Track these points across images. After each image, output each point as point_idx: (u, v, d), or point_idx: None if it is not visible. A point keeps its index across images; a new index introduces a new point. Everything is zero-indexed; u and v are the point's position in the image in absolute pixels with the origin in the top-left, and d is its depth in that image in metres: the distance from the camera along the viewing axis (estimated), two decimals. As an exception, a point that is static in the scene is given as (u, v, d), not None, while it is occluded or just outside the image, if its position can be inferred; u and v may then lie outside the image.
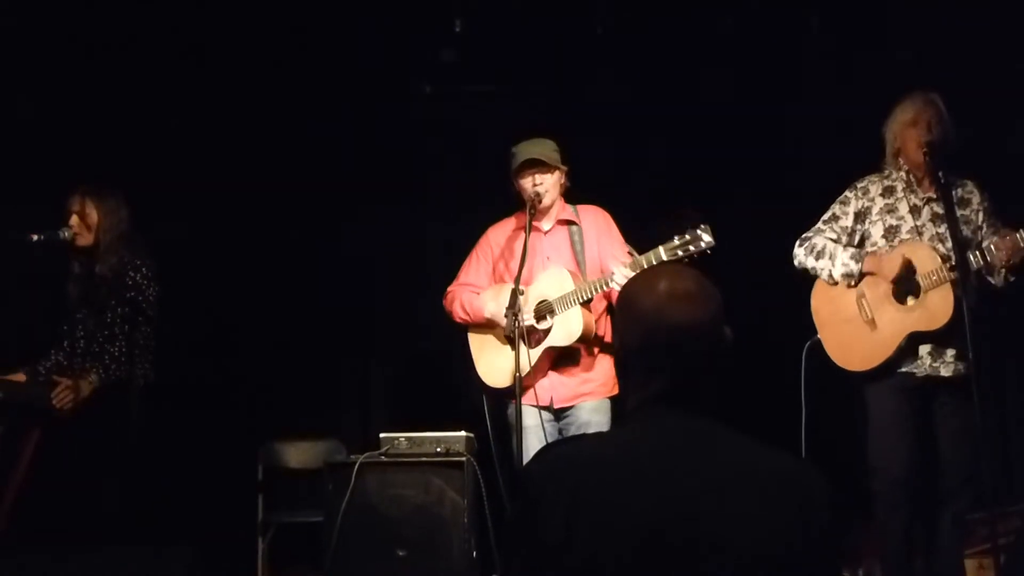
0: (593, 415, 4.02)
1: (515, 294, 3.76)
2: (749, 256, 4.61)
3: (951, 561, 3.72)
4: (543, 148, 4.08)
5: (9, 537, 3.87)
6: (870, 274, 3.80)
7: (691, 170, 5.23)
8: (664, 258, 3.69)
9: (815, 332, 3.93)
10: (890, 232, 3.81)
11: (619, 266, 3.81)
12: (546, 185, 4.07)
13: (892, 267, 3.73)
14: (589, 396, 4.05)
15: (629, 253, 3.85)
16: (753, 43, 5.13)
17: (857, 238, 3.89)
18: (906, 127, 3.80)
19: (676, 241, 3.68)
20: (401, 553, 3.90)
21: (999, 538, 3.64)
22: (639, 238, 4.31)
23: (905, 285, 3.74)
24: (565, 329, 3.97)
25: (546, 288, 4.03)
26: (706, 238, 3.63)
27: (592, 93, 5.38)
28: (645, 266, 3.70)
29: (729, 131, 5.23)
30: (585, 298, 3.92)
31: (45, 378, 4.15)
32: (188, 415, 4.80)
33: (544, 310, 4.01)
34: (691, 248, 3.64)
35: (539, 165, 4.06)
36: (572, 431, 4.01)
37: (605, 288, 3.87)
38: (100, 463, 3.98)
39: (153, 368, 4.16)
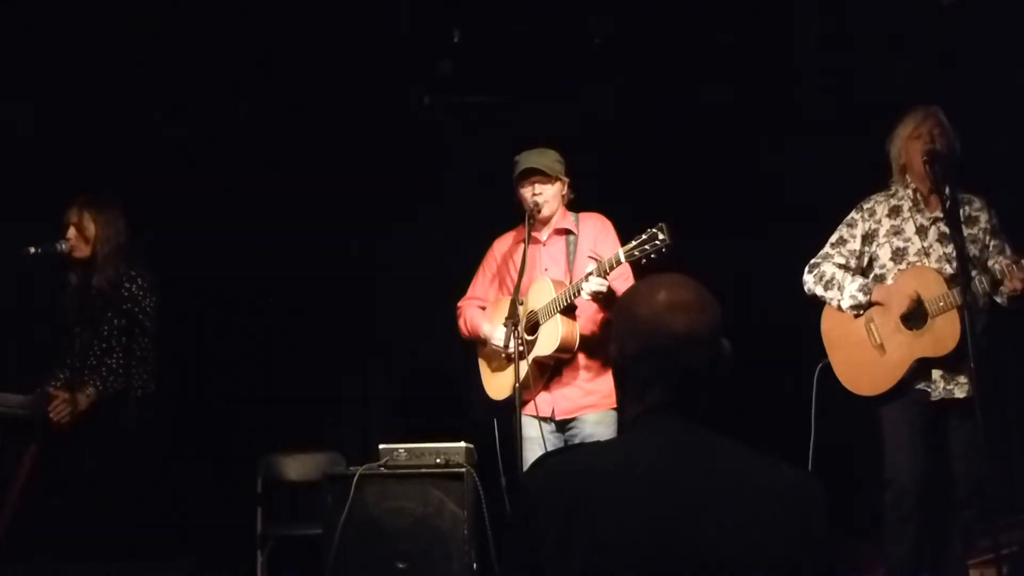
0: (597, 427, 3.99)
1: (514, 304, 3.75)
2: (758, 276, 4.61)
3: (958, 571, 3.70)
4: (544, 158, 4.08)
5: (8, 551, 3.86)
6: (878, 304, 3.79)
7: (695, 182, 5.23)
8: (623, 259, 3.67)
9: (825, 355, 3.94)
10: (897, 254, 3.81)
11: (589, 276, 3.76)
12: (545, 195, 4.06)
13: (901, 303, 3.72)
14: (592, 408, 4.02)
15: (591, 257, 3.82)
16: (753, 53, 5.12)
17: (866, 260, 3.90)
18: (908, 141, 3.81)
19: (633, 243, 3.67)
20: (401, 566, 3.88)
21: (1001, 548, 3.64)
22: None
23: (914, 314, 3.73)
24: (545, 339, 3.96)
25: (534, 300, 4.03)
26: (661, 236, 3.58)
27: (590, 103, 5.38)
28: (608, 269, 3.71)
29: (731, 143, 5.23)
30: (562, 306, 3.90)
31: (43, 391, 4.14)
32: (187, 427, 4.79)
33: (532, 320, 4.00)
34: (647, 247, 3.61)
35: (538, 175, 4.06)
36: (577, 442, 3.99)
37: (576, 295, 3.84)
38: (99, 476, 3.97)
39: (153, 379, 4.15)
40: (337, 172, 5.46)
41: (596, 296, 3.77)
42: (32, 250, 4.05)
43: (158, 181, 4.96)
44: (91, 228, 4.18)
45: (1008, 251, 3.74)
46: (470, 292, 4.31)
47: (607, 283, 3.73)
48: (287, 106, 5.29)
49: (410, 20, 5.06)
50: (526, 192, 4.07)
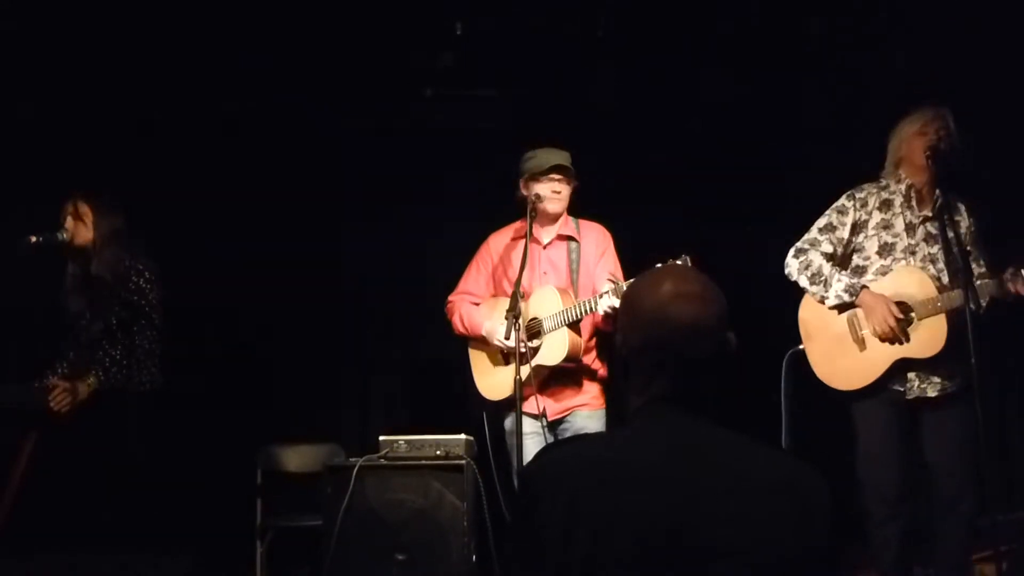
0: (588, 420, 4.04)
1: (515, 296, 3.76)
2: (739, 259, 4.62)
3: (960, 565, 3.69)
4: (567, 158, 4.09)
5: (6, 542, 3.85)
6: (861, 308, 3.75)
7: (692, 175, 5.23)
8: None
9: (798, 341, 3.91)
10: (884, 249, 3.79)
11: (605, 295, 3.80)
12: (564, 194, 4.10)
13: (884, 321, 3.65)
14: (584, 406, 4.07)
15: (611, 279, 3.84)
16: (753, 47, 5.12)
17: (851, 248, 3.87)
18: (914, 136, 3.79)
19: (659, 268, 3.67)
20: (400, 557, 3.88)
21: (1000, 544, 3.65)
22: (633, 246, 4.30)
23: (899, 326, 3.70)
24: (551, 349, 3.98)
25: (537, 307, 4.04)
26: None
27: (592, 97, 5.37)
28: None
29: (727, 135, 5.23)
30: (572, 319, 3.93)
31: (43, 381, 4.14)
32: (187, 419, 4.78)
33: (535, 328, 4.02)
34: None
35: (565, 172, 4.08)
36: (569, 435, 4.00)
37: (590, 311, 3.88)
38: (98, 467, 3.97)
39: (160, 373, 4.15)
40: (333, 166, 5.45)
41: (608, 316, 3.81)
42: (33, 239, 4.05)
43: (155, 175, 4.95)
44: (89, 215, 4.17)
45: (983, 260, 3.75)
46: (461, 286, 4.30)
47: None
48: (288, 101, 5.27)
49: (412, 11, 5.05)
50: (544, 187, 4.06)
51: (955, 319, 3.53)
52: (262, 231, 5.22)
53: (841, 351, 3.76)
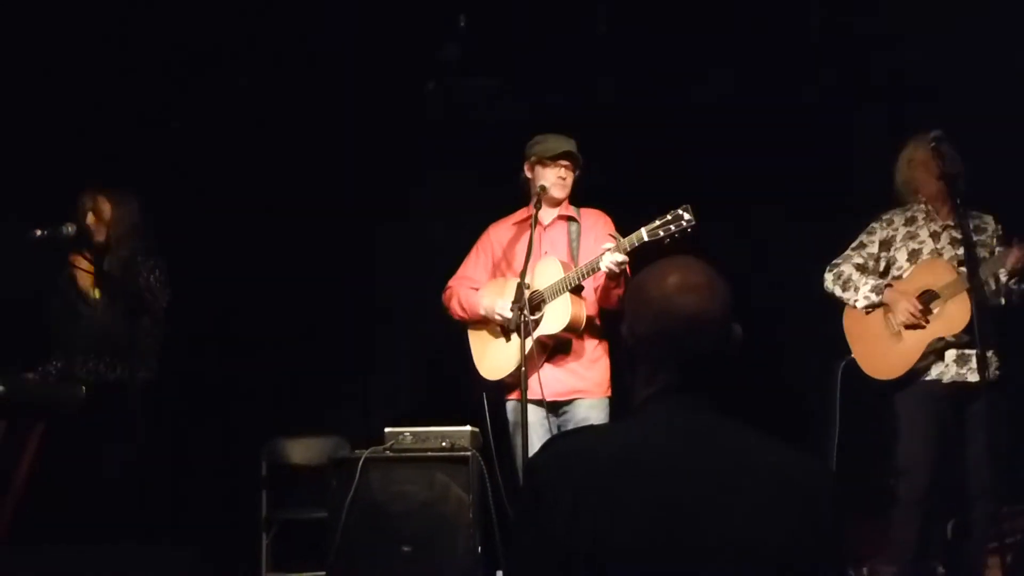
0: (591, 411, 4.03)
1: (520, 288, 3.76)
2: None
3: (974, 557, 3.87)
4: (574, 145, 4.11)
5: (13, 534, 3.86)
6: (888, 305, 3.99)
7: (697, 174, 5.21)
8: (646, 238, 3.71)
9: (849, 351, 4.15)
10: (913, 255, 4.07)
11: (607, 252, 3.79)
12: (569, 180, 4.12)
13: (908, 307, 3.91)
14: (585, 393, 4.05)
15: (612, 236, 3.84)
16: (761, 42, 5.10)
17: (883, 264, 4.14)
18: (916, 167, 4.04)
19: (657, 222, 3.70)
20: (405, 549, 3.89)
21: (1006, 536, 3.69)
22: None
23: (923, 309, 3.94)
24: (553, 317, 3.97)
25: (538, 280, 4.03)
26: (687, 216, 3.63)
27: (596, 91, 5.36)
28: (628, 248, 3.74)
29: (728, 134, 5.22)
30: (573, 284, 3.92)
31: (55, 377, 4.15)
32: (192, 412, 4.80)
33: (537, 299, 4.00)
34: (672, 227, 3.65)
35: (572, 158, 4.10)
36: (570, 427, 3.99)
37: (593, 271, 3.86)
38: (104, 460, 3.98)
39: (156, 368, 4.16)
40: (335, 159, 5.45)
41: (612, 272, 3.77)
42: (39, 232, 4.05)
43: (158, 172, 4.95)
44: (107, 210, 4.18)
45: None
46: (461, 272, 4.31)
47: (626, 259, 3.74)
48: (290, 95, 5.27)
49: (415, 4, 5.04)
50: (551, 173, 4.09)
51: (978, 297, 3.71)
52: (265, 223, 5.22)
53: (881, 346, 4.05)
